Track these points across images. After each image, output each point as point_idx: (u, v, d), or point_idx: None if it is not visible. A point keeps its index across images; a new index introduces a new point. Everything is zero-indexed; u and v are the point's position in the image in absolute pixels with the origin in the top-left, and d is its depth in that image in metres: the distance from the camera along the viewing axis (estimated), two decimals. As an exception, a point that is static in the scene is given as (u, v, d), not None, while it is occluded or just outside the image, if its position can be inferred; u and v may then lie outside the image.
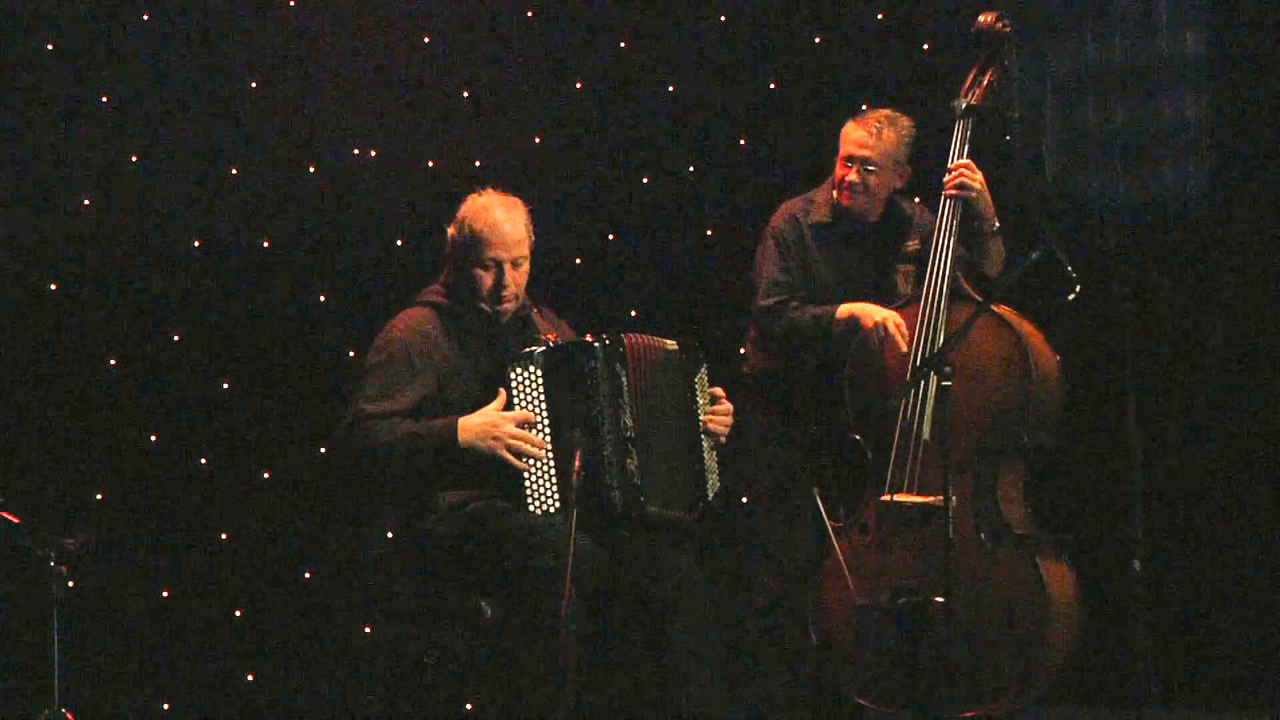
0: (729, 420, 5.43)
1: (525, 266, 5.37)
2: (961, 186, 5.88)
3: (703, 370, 5.41)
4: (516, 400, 5.19)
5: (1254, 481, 6.71)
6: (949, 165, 5.91)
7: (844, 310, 5.93)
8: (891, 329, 5.82)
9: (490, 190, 5.41)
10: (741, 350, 6.23)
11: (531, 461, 5.16)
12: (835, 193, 6.05)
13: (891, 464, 5.85)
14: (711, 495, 5.38)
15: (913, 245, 6.12)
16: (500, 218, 5.34)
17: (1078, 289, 5.38)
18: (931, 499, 5.73)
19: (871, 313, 5.87)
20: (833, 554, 5.82)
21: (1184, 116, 6.90)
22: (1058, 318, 6.30)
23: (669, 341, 5.38)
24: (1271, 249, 6.72)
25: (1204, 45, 6.89)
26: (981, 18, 6.08)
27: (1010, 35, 6.06)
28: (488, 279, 5.33)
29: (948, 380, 5.37)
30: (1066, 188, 6.86)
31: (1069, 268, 5.36)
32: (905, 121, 6.02)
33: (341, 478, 6.72)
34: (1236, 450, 6.74)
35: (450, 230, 5.38)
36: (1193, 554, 6.73)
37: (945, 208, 5.90)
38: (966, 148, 5.93)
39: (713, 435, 5.39)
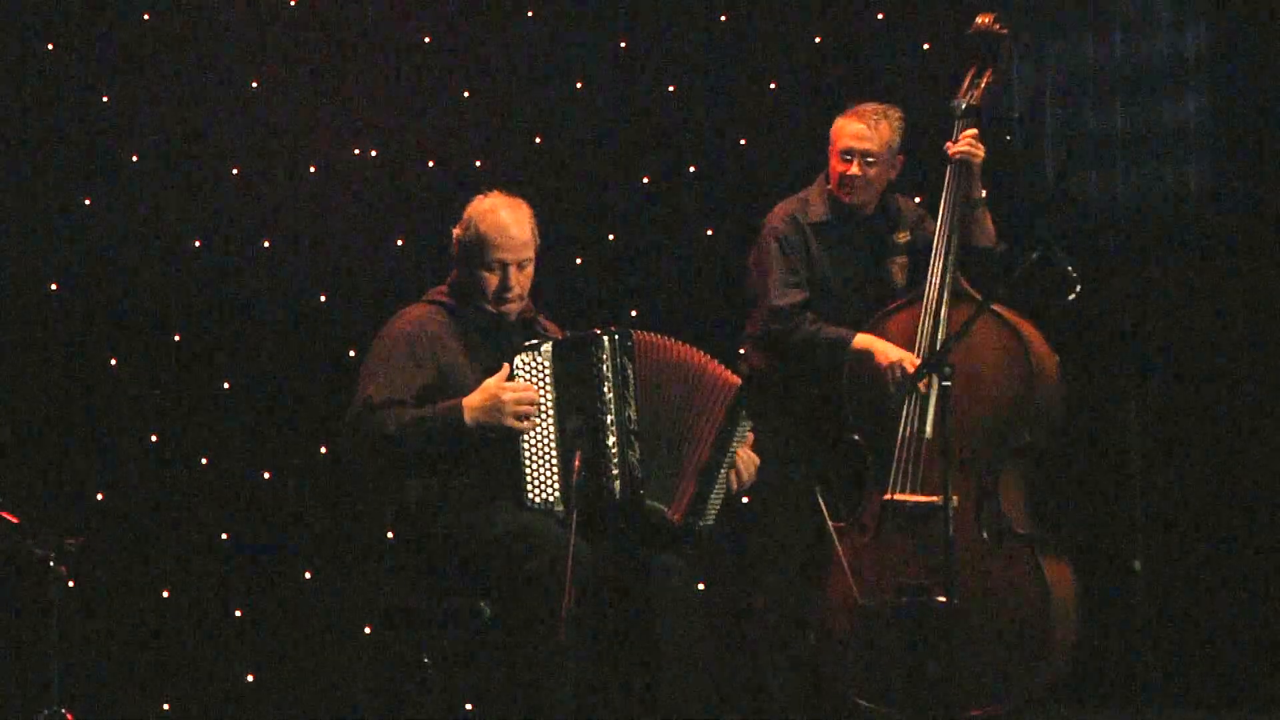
0: (752, 470, 5.41)
1: (530, 269, 5.39)
2: (968, 152, 5.98)
3: (748, 425, 5.38)
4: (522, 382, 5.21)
5: (1254, 481, 6.70)
6: (948, 145, 6.00)
7: (860, 342, 5.96)
8: (909, 369, 5.84)
9: (497, 192, 5.42)
10: (740, 350, 6.22)
11: (533, 448, 5.16)
12: (835, 189, 6.08)
13: (894, 463, 5.87)
14: (701, 524, 5.35)
15: (903, 237, 6.18)
16: (506, 220, 5.36)
17: (1078, 289, 5.37)
18: (934, 498, 5.73)
19: (887, 352, 5.89)
20: (834, 554, 5.82)
21: (1184, 116, 6.90)
22: (1058, 318, 6.30)
23: (733, 376, 5.36)
24: (1271, 249, 6.71)
25: (1204, 45, 6.89)
26: (979, 19, 6.14)
27: (1007, 37, 6.12)
28: (492, 280, 5.35)
29: (948, 380, 5.37)
30: (1066, 188, 6.86)
31: (1069, 268, 5.36)
32: (896, 113, 6.11)
33: (349, 468, 6.72)
34: (1236, 450, 6.73)
35: (456, 231, 5.39)
36: (1193, 554, 6.72)
37: (950, 175, 5.97)
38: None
39: (736, 472, 5.36)
